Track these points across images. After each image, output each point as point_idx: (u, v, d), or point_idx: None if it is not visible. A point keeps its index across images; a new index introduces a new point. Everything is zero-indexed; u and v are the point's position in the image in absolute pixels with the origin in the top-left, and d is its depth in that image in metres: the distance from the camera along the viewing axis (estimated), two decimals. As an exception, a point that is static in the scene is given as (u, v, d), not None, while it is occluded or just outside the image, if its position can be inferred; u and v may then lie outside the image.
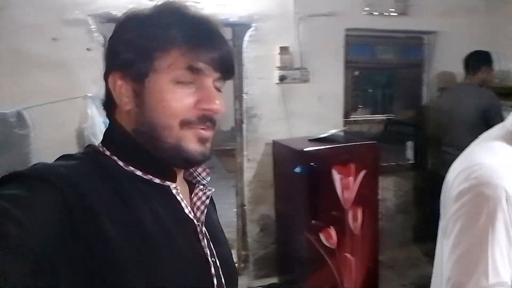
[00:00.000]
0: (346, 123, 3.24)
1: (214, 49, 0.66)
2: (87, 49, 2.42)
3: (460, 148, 3.60)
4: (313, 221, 2.49)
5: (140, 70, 0.65)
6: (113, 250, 0.56)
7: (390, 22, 3.26)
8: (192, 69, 0.64)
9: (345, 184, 2.54)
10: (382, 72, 3.54)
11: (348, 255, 2.63)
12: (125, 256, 0.57)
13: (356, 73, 3.34)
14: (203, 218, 0.72)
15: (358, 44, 3.29)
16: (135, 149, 0.67)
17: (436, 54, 3.53)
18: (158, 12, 0.67)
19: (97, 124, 2.52)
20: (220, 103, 0.67)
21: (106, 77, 0.68)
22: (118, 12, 2.46)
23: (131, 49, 0.65)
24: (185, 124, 0.65)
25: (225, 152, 4.96)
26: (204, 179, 0.78)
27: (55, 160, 0.65)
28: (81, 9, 2.36)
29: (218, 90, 0.69)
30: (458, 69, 3.22)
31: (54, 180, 0.55)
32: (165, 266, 0.61)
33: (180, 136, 0.65)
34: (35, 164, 0.61)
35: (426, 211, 3.63)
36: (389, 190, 3.52)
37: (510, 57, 3.35)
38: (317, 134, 2.82)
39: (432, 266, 3.29)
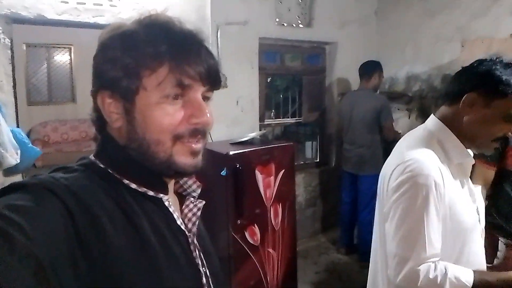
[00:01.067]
0: (261, 126, 3.43)
1: (201, 63, 0.66)
2: (-8, 52, 2.21)
3: (359, 145, 4.07)
4: (238, 221, 2.62)
5: (129, 89, 0.64)
6: (114, 257, 0.57)
7: (297, 32, 3.54)
8: (181, 85, 0.64)
9: (266, 183, 2.72)
10: (290, 78, 3.81)
11: (270, 250, 2.81)
12: (126, 264, 0.59)
13: (268, 79, 3.55)
14: (194, 229, 0.74)
15: (269, 52, 3.51)
16: (127, 162, 0.67)
17: (336, 62, 3.93)
18: (143, 28, 0.66)
19: (5, 133, 2.31)
20: (210, 115, 0.68)
21: (94, 95, 0.68)
22: (27, 13, 2.29)
23: (118, 68, 0.64)
24: (177, 138, 0.66)
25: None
26: (195, 191, 0.80)
27: (50, 172, 0.65)
28: (-16, 8, 2.15)
29: (207, 99, 0.71)
30: (354, 75, 3.64)
31: (56, 190, 0.57)
32: (163, 276, 0.63)
33: (173, 151, 0.66)
34: (37, 175, 0.62)
35: (331, 203, 4.03)
36: (299, 186, 3.82)
37: (396, 65, 3.89)
38: (236, 137, 2.96)
39: (338, 252, 3.72)
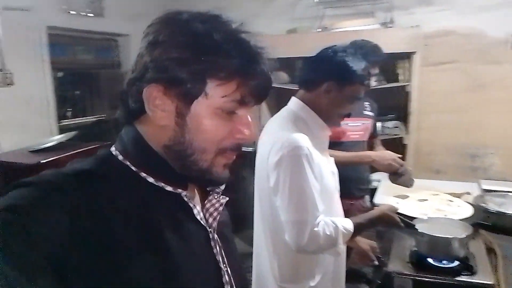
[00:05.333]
0: (60, 128, 3.00)
1: (263, 82, 0.65)
2: None
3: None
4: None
5: (191, 93, 0.62)
6: (125, 255, 0.56)
7: (87, 22, 3.23)
8: (243, 103, 0.64)
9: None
10: (85, 72, 3.48)
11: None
12: (139, 262, 0.57)
13: (60, 74, 3.11)
14: (215, 224, 0.72)
15: (59, 44, 3.08)
16: (150, 157, 0.65)
17: (131, 56, 3.77)
18: (213, 30, 0.62)
19: None
20: (253, 130, 0.68)
21: (140, 84, 0.63)
22: None
23: (184, 69, 0.60)
24: (221, 151, 0.66)
25: None
26: (219, 187, 0.77)
27: (68, 165, 0.64)
28: None
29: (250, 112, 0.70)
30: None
31: (64, 187, 0.56)
32: (180, 273, 0.62)
33: (214, 162, 0.66)
34: (45, 172, 0.60)
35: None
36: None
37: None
38: (28, 145, 2.52)
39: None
